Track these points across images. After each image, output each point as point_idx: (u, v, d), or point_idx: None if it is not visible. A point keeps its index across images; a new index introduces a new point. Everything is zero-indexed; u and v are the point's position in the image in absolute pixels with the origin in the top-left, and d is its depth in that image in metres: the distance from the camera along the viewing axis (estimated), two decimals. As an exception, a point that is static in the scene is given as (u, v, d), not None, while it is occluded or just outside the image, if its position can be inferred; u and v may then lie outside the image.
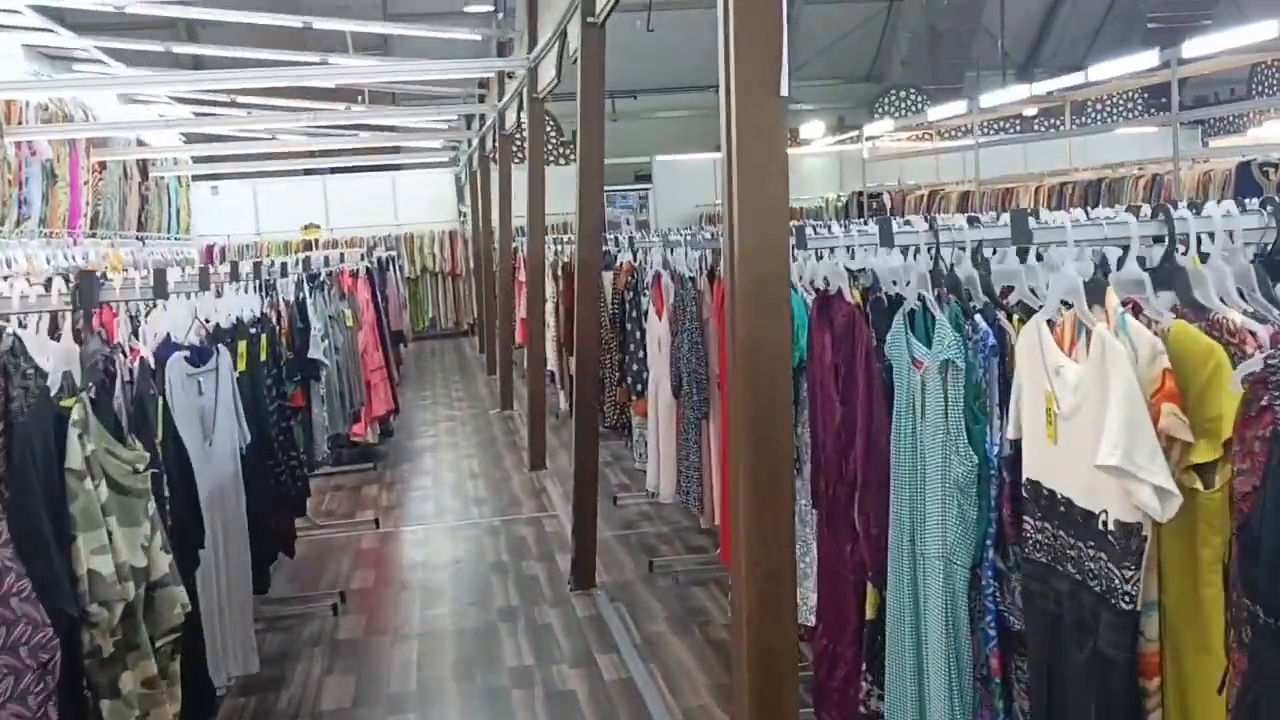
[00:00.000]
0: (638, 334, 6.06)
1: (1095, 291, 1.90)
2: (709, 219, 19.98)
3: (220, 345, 3.17)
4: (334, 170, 19.56)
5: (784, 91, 2.65)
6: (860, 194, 17.34)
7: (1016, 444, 2.16)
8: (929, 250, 2.49)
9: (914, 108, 21.17)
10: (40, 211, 10.60)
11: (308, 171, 19.67)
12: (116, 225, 13.38)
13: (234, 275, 4.03)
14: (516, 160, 14.76)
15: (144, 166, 14.67)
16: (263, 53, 12.93)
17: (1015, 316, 2.25)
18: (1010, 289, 2.40)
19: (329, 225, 18.75)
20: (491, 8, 11.95)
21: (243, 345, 3.51)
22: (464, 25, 10.05)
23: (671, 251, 5.62)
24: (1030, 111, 18.49)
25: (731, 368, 2.84)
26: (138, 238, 14.49)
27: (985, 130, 19.84)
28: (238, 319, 3.65)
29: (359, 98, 17.03)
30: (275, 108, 14.19)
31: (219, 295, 3.73)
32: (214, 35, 18.38)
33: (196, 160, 17.59)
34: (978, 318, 2.25)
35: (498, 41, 9.76)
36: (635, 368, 6.01)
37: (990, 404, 2.23)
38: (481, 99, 13.32)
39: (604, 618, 4.94)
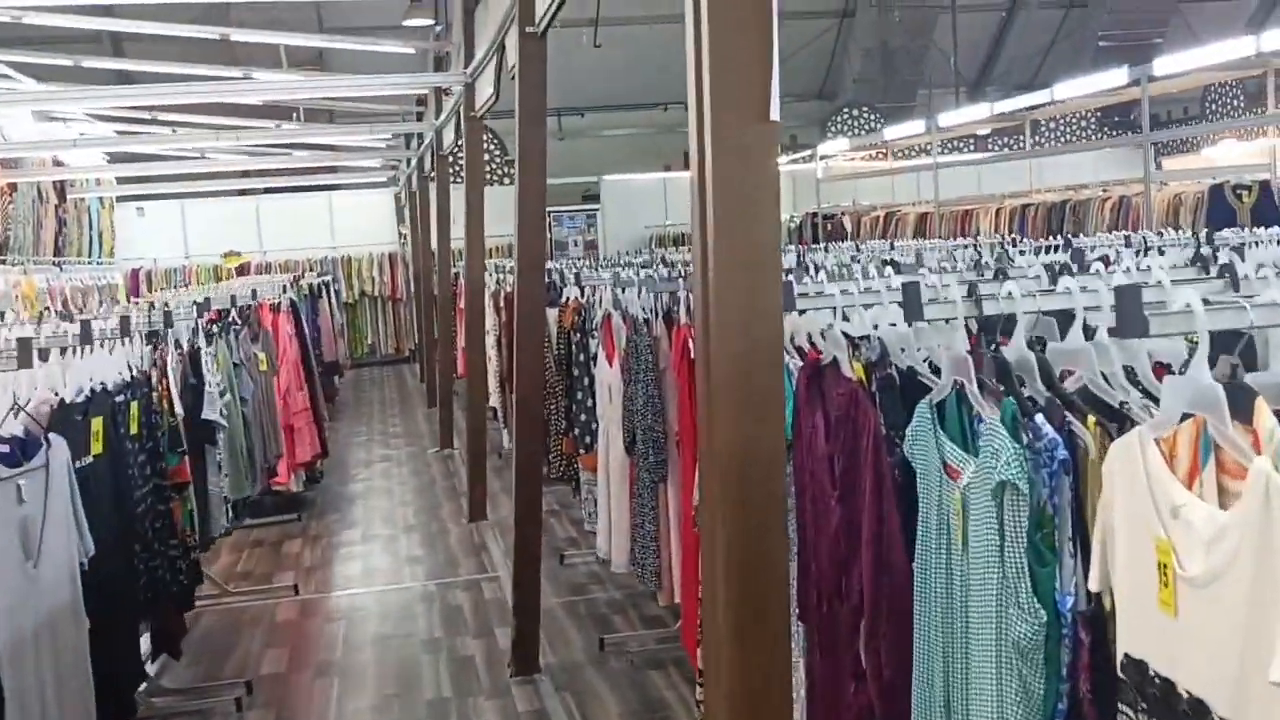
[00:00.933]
0: (586, 380, 5.46)
1: (1239, 401, 1.33)
2: (658, 240, 19.47)
3: (52, 435, 2.50)
4: (268, 190, 18.75)
5: (775, 115, 2.07)
6: (814, 215, 16.91)
7: (1100, 597, 1.58)
8: (968, 324, 1.91)
9: (867, 126, 20.81)
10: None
11: (242, 192, 18.84)
12: (30, 250, 12.54)
13: (84, 338, 3.36)
14: (456, 180, 14.13)
15: (61, 188, 13.83)
16: (191, 68, 12.22)
17: (1091, 417, 1.67)
18: (1069, 373, 1.82)
19: (262, 248, 17.94)
20: (430, 21, 11.34)
21: (98, 422, 2.85)
22: (401, 40, 9.42)
23: (623, 290, 5.03)
24: (984, 131, 18.16)
25: (708, 468, 2.24)
26: (54, 263, 13.64)
27: (942, 149, 19.55)
28: (96, 388, 2.98)
29: (293, 115, 16.33)
30: (205, 126, 13.45)
31: (44, 361, 3.06)
32: (139, 51, 17.60)
33: (121, 181, 16.73)
34: (1039, 419, 1.67)
35: (435, 56, 9.12)
36: (583, 418, 5.40)
37: (1060, 538, 1.65)
38: (419, 117, 12.67)
39: (548, 712, 4.31)
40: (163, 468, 3.45)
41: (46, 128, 13.66)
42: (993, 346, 1.91)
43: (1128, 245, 6.03)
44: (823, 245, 13.94)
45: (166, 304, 5.10)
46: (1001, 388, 1.76)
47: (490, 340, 8.36)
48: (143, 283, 17.18)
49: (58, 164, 13.53)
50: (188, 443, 3.91)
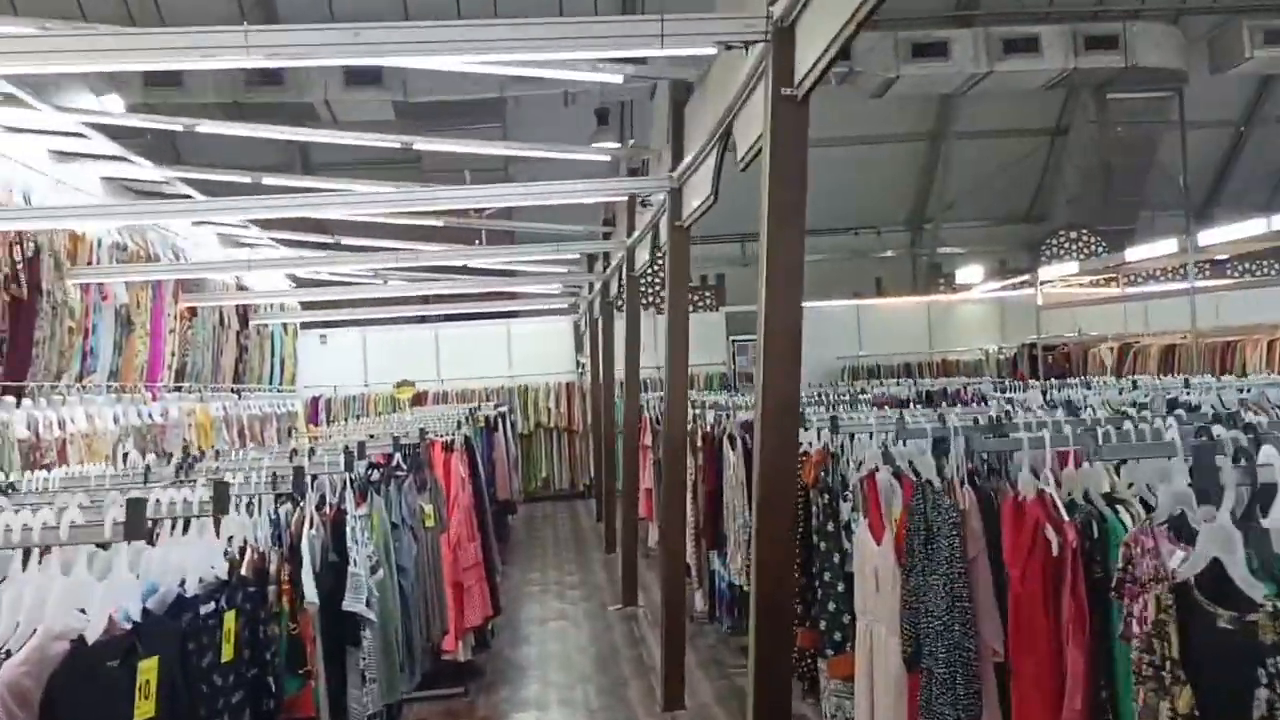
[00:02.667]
0: (835, 557, 4.20)
1: None
2: (852, 373, 18.14)
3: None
4: (447, 318, 18.37)
5: None
6: (1032, 346, 15.33)
7: None
8: None
9: (1087, 250, 19.15)
10: (111, 363, 9.34)
11: (421, 319, 18.54)
12: (208, 378, 12.17)
13: (219, 502, 2.26)
14: (643, 304, 13.26)
15: (244, 314, 13.56)
16: (378, 186, 11.85)
17: None
18: None
19: (440, 377, 17.44)
20: (617, 144, 10.65)
21: (150, 668, 1.77)
22: (592, 151, 8.73)
23: (899, 440, 3.80)
24: (1223, 255, 16.33)
25: None
26: (233, 390, 13.28)
27: (1167, 275, 17.73)
28: (163, 598, 1.92)
29: (476, 240, 15.89)
30: (387, 248, 13.10)
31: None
32: (324, 169, 17.70)
33: (305, 306, 16.56)
34: None
35: (629, 166, 8.27)
36: (832, 607, 4.13)
37: None
38: (606, 237, 11.94)
39: None
40: (270, 707, 2.37)
41: (231, 252, 13.50)
42: None
43: None
44: (1045, 379, 12.39)
45: (308, 448, 4.12)
46: None
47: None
48: (321, 411, 16.87)
49: (241, 289, 13.29)
50: (323, 644, 2.86)
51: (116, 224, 8.84)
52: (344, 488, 3.46)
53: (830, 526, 4.27)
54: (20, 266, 7.52)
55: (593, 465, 15.89)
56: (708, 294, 18.93)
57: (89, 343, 8.81)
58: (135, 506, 1.84)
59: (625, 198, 7.89)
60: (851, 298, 19.50)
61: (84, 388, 8.79)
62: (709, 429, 7.52)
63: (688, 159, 5.90)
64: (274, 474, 2.88)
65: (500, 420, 12.40)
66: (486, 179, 16.49)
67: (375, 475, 4.54)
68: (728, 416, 7.42)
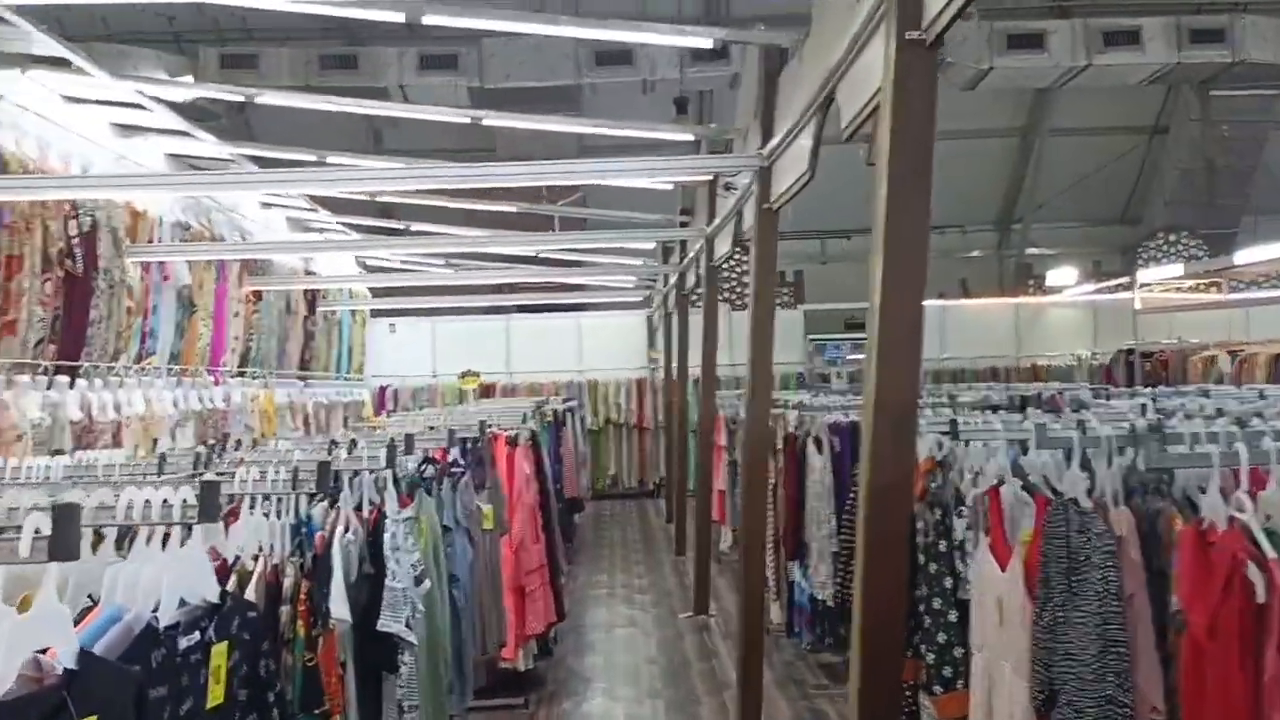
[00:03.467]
0: (948, 580, 3.67)
1: None
2: (934, 376, 17.42)
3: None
4: (519, 309, 18.03)
5: None
6: (1129, 353, 14.52)
7: None
8: None
9: (1187, 253, 18.21)
10: (172, 345, 9.08)
11: (492, 310, 18.22)
12: (274, 363, 11.92)
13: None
14: (720, 299, 12.77)
15: (312, 300, 13.31)
16: (447, 167, 11.50)
17: None
18: None
19: (509, 369, 17.10)
20: (691, 137, 10.12)
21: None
22: (673, 128, 8.26)
23: (1024, 448, 3.26)
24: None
25: None
26: (299, 377, 13.04)
27: (1275, 281, 16.75)
28: (140, 629, 1.46)
29: (549, 230, 15.50)
30: (457, 234, 12.79)
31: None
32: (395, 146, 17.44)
33: (375, 294, 16.32)
34: None
35: (710, 149, 7.77)
36: (942, 638, 3.60)
37: None
38: (683, 226, 11.44)
39: None
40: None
41: (299, 237, 13.26)
42: None
43: None
44: (1141, 386, 11.63)
45: (334, 443, 3.65)
46: None
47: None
48: (389, 401, 16.61)
49: (309, 274, 13.04)
50: (355, 671, 2.41)
51: (171, 193, 8.54)
52: (387, 486, 3.01)
53: (942, 546, 3.74)
54: (76, 241, 7.24)
55: (663, 464, 15.42)
56: (786, 290, 18.33)
57: (148, 324, 8.54)
58: (64, 514, 1.38)
59: (707, 178, 7.39)
60: (935, 298, 18.77)
61: (142, 370, 8.52)
62: (791, 430, 7.01)
63: (780, 134, 5.38)
64: (296, 470, 2.43)
65: (569, 415, 11.97)
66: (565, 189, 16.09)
67: (430, 471, 4.10)
68: (811, 418, 6.91)
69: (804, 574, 6.80)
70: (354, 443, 3.87)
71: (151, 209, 8.58)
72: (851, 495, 5.03)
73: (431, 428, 5.96)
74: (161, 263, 8.70)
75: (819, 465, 6.40)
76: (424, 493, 3.52)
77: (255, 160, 9.08)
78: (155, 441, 7.93)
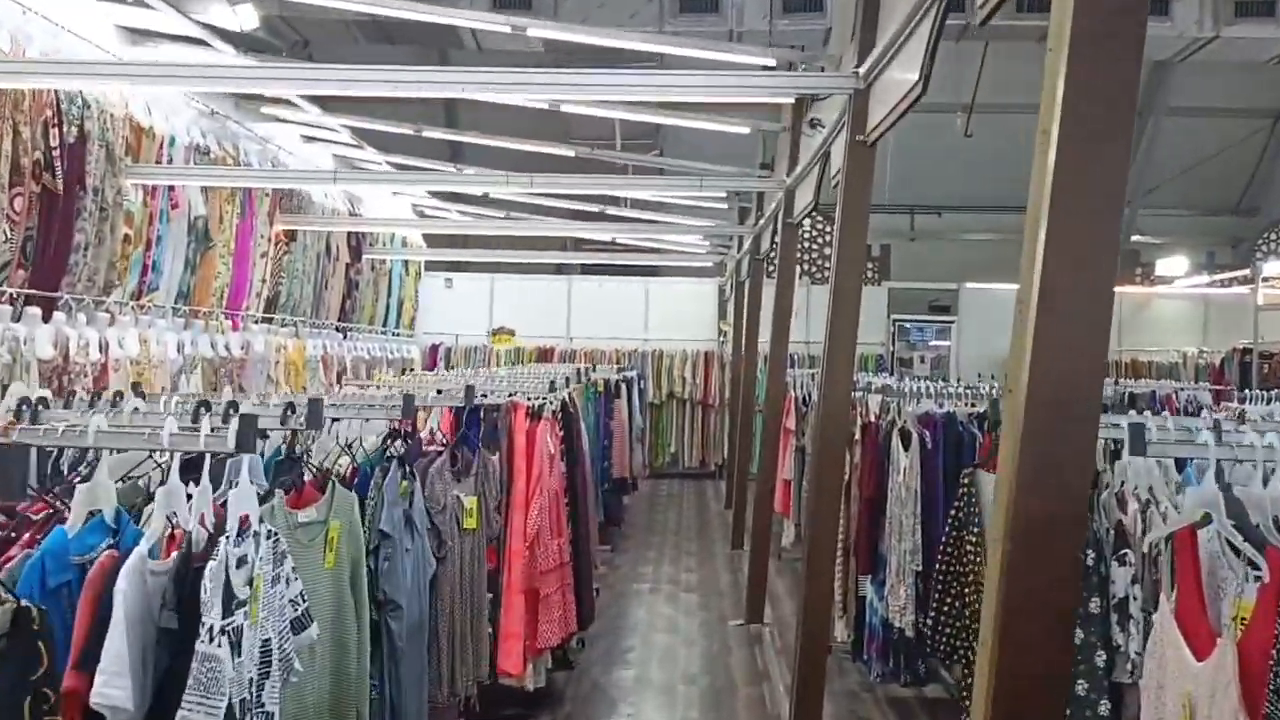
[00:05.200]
0: (1098, 657, 2.52)
1: None
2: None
3: None
4: (584, 269, 16.98)
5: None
6: (1244, 352, 13.03)
7: None
8: None
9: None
10: (181, 282, 8.17)
11: (556, 269, 17.19)
12: (309, 311, 11.01)
13: None
14: (800, 270, 11.58)
15: (357, 246, 12.39)
16: (521, 144, 10.51)
17: None
18: None
19: (569, 334, 16.05)
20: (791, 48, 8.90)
21: None
22: (757, 50, 7.13)
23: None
24: None
25: None
26: (338, 328, 12.13)
27: None
28: None
29: (624, 200, 14.32)
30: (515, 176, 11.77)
31: None
32: (470, 123, 16.37)
33: (431, 242, 15.38)
34: None
35: (790, 64, 6.57)
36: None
37: None
38: (769, 165, 10.26)
39: None
40: None
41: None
42: None
43: None
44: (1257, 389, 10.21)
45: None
46: None
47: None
48: (440, 360, 15.69)
49: (354, 215, 12.11)
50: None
51: (182, 95, 7.56)
52: (242, 480, 1.94)
53: (1093, 606, 2.58)
54: (56, 153, 6.31)
55: (726, 444, 14.28)
56: (870, 264, 16.97)
57: (150, 255, 7.63)
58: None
59: (789, 99, 6.19)
60: (1030, 283, 17.33)
61: (142, 308, 7.62)
62: (872, 419, 5.84)
63: (882, 45, 4.21)
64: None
65: (625, 386, 10.90)
66: (638, 139, 14.97)
67: (397, 450, 3.05)
68: (897, 406, 5.75)
69: (877, 592, 5.66)
70: (290, 408, 2.79)
71: (160, 125, 7.65)
72: (955, 508, 3.88)
73: (439, 391, 4.94)
74: (170, 188, 7.78)
75: (905, 464, 5.24)
76: (338, 489, 2.45)
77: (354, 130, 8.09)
78: (134, 388, 7.00)
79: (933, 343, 17.69)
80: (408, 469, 2.98)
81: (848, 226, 4.57)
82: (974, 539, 3.66)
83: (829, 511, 4.89)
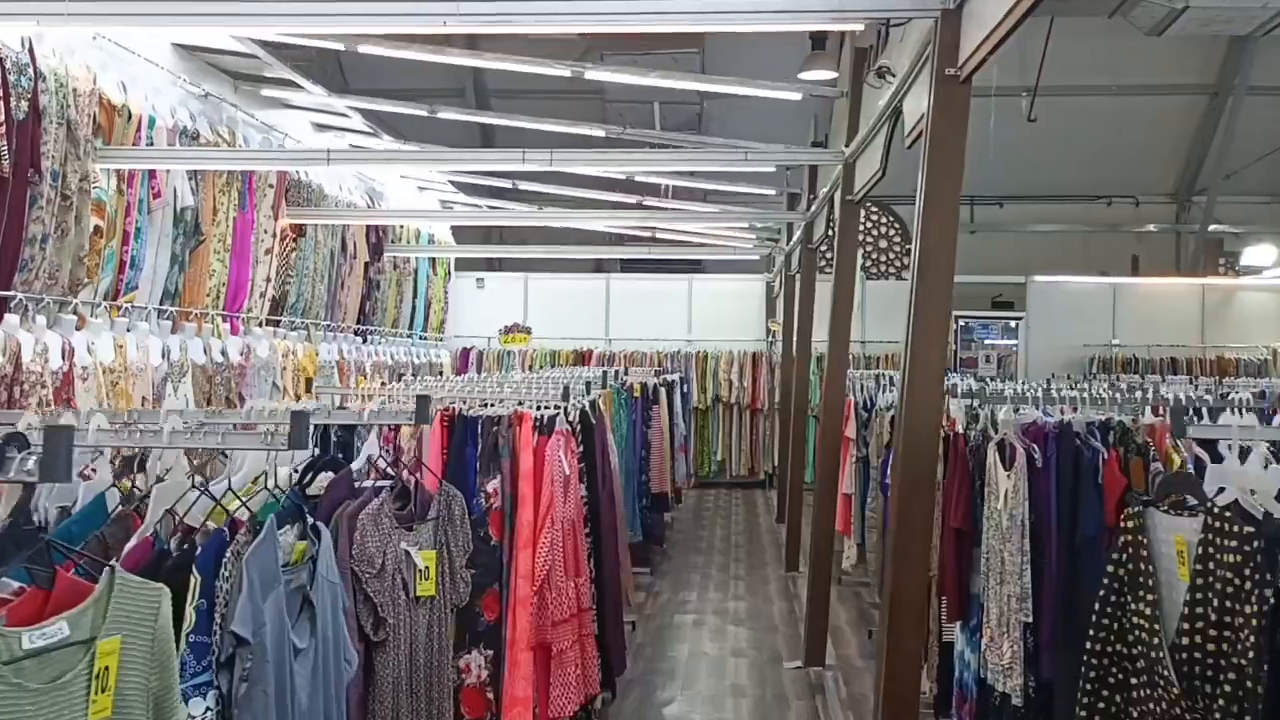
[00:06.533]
0: None
1: None
2: (1102, 364, 14.83)
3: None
4: (623, 266, 16.02)
5: None
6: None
7: None
8: None
9: None
10: (168, 281, 7.33)
11: (595, 266, 16.25)
12: (321, 313, 10.16)
13: None
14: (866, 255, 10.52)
15: (377, 243, 11.54)
16: (555, 125, 9.60)
17: None
18: None
19: (608, 335, 15.10)
20: (832, 74, 7.90)
21: None
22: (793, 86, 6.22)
23: None
24: None
25: None
26: (357, 331, 11.28)
27: None
28: None
29: (664, 190, 13.38)
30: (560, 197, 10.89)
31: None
32: (503, 107, 15.46)
33: (458, 235, 14.52)
34: None
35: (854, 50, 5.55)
36: None
37: None
38: (812, 178, 9.24)
39: None
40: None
41: (362, 168, 11.47)
42: None
43: None
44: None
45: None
46: None
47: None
48: (472, 364, 14.80)
49: (372, 201, 11.26)
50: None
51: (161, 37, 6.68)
52: None
53: None
54: (2, 130, 5.46)
55: (775, 452, 13.25)
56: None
57: (128, 250, 6.78)
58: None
59: (859, 26, 5.14)
60: (1099, 275, 16.21)
61: (119, 308, 6.77)
62: (958, 431, 4.82)
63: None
64: None
65: (666, 391, 9.93)
66: (677, 112, 14.03)
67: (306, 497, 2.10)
68: (989, 413, 4.74)
69: (970, 643, 4.64)
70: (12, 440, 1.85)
71: (137, 103, 6.80)
72: (1114, 563, 2.87)
73: (383, 401, 4.03)
74: (151, 175, 6.93)
75: (1006, 487, 4.22)
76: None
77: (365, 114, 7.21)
78: (146, 400, 6.15)
79: (998, 341, 16.56)
80: (308, 522, 2.05)
81: (938, 183, 3.58)
82: (1146, 610, 2.64)
83: (916, 556, 3.89)
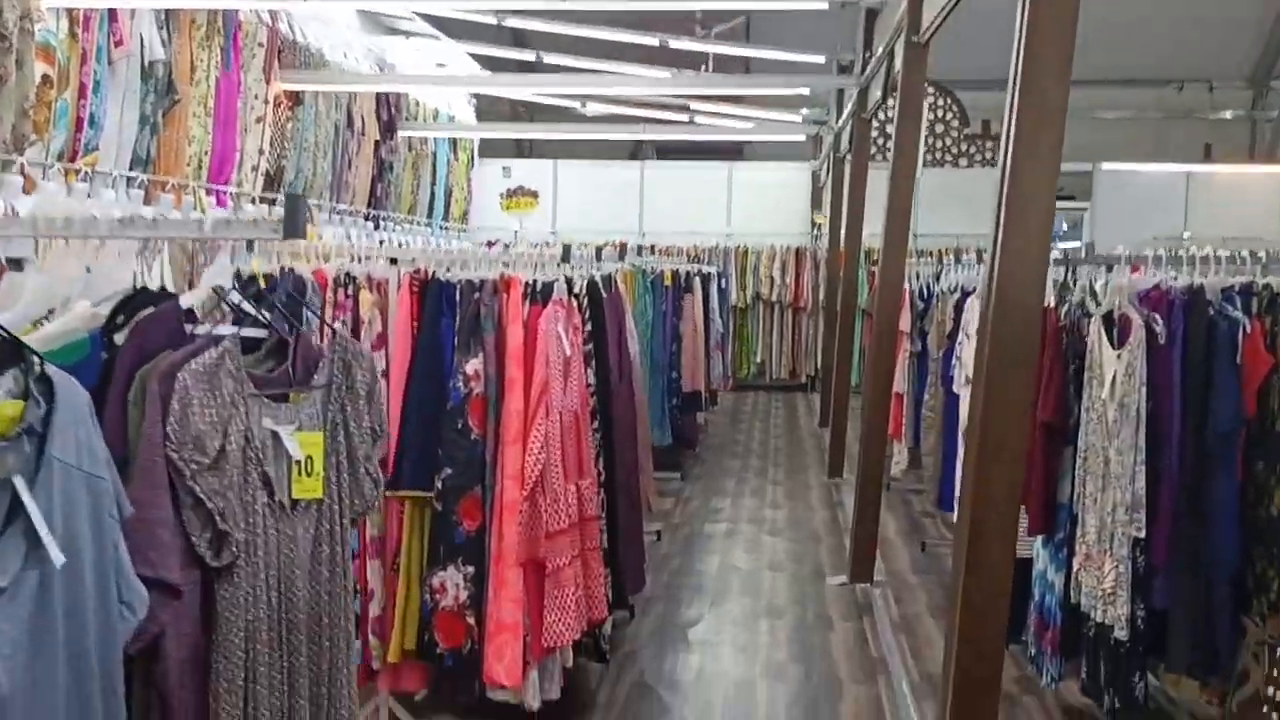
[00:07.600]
0: None
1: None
2: (1172, 259, 13.74)
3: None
4: (659, 153, 15.01)
5: None
6: None
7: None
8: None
9: None
10: (138, 145, 6.53)
11: (632, 153, 15.26)
12: (326, 194, 9.35)
13: None
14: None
15: (389, 121, 10.66)
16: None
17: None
18: None
19: (642, 228, 14.16)
20: None
21: None
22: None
23: None
24: None
25: None
26: (368, 216, 10.47)
27: None
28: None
29: (703, 66, 12.33)
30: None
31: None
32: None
33: (481, 113, 13.56)
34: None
35: None
36: None
37: None
38: (866, 47, 8.22)
39: None
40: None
41: (375, 40, 10.56)
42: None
43: None
44: None
45: None
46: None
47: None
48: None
49: (380, 69, 10.36)
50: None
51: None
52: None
53: None
54: (-92, -52, 4.63)
55: (820, 353, 12.37)
56: (989, 144, 14.67)
57: (85, 105, 5.96)
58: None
59: None
60: (1174, 160, 15.06)
61: (78, 171, 5.98)
62: (1064, 317, 3.90)
63: None
64: None
65: (701, 281, 9.05)
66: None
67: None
68: (1088, 280, 3.89)
69: (1055, 562, 3.82)
70: None
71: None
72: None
73: (394, 261, 3.25)
74: (111, 19, 6.07)
75: (1116, 369, 3.35)
76: None
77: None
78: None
79: (1061, 231, 15.45)
80: (31, 369, 1.25)
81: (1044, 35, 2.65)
82: None
83: (1010, 450, 3.05)
